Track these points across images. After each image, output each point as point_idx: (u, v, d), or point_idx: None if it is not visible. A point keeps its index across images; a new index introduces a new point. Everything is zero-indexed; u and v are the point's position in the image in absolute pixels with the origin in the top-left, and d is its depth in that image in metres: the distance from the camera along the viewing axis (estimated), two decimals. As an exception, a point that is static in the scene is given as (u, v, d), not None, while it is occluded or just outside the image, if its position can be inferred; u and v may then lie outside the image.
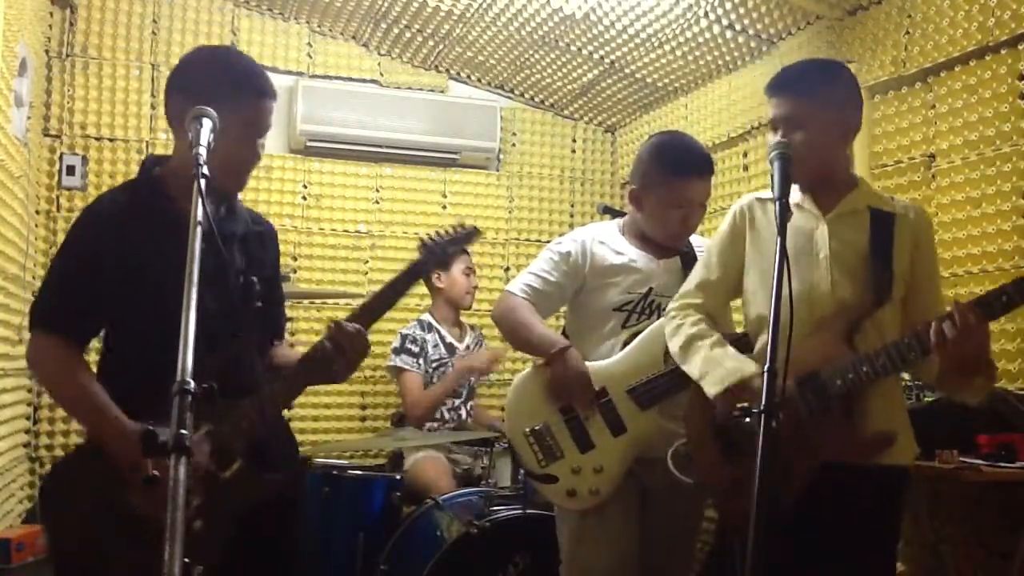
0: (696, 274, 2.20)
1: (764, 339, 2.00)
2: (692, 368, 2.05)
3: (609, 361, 2.45)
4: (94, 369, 1.88)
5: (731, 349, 2.02)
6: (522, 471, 2.95)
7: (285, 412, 2.10)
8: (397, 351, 3.95)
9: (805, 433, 1.83)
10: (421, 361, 3.93)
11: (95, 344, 1.96)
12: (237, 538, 1.78)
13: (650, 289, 2.49)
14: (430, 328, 4.03)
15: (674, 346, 2.12)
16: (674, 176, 2.47)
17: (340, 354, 1.88)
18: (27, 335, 1.91)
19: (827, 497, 1.84)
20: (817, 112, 1.98)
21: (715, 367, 1.97)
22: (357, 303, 4.43)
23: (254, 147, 1.91)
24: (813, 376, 1.87)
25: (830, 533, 1.88)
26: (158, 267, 1.78)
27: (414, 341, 3.95)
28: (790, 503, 1.79)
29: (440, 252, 2.07)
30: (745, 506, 1.49)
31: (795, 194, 2.05)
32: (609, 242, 2.58)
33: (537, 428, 2.44)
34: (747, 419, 1.81)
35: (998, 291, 1.73)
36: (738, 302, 2.24)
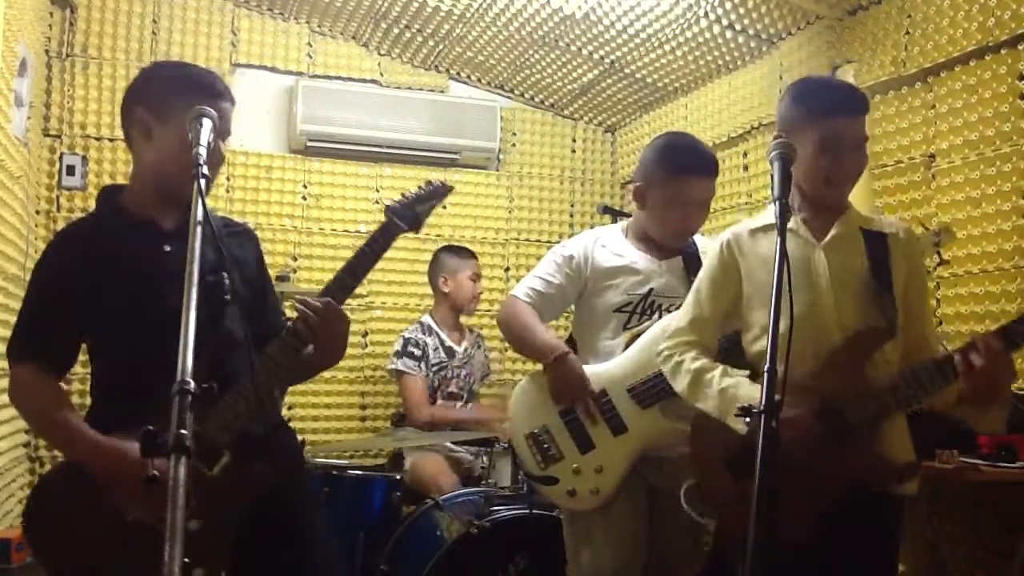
0: (687, 312, 2.14)
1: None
2: (708, 406, 2.00)
3: (610, 363, 2.46)
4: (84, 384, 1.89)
5: (742, 378, 1.97)
6: (521, 473, 2.95)
7: (284, 412, 2.09)
8: (399, 354, 3.95)
9: (827, 465, 1.81)
10: (423, 365, 3.93)
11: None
12: (247, 534, 1.77)
13: (650, 290, 2.49)
14: (430, 331, 4.03)
15: (680, 385, 2.08)
16: (677, 174, 2.47)
17: (312, 331, 1.81)
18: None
19: (842, 522, 1.82)
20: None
21: (733, 402, 1.93)
22: (355, 303, 4.48)
23: (216, 148, 1.83)
24: (833, 407, 1.84)
25: (842, 556, 1.86)
26: (127, 275, 1.80)
27: (416, 345, 3.95)
28: (815, 534, 1.78)
29: (409, 212, 1.97)
30: (769, 527, 1.47)
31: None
32: (611, 245, 2.58)
33: (536, 431, 2.46)
34: (747, 420, 1.80)
35: (1020, 321, 1.74)
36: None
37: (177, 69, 2.01)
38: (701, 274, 2.16)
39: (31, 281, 1.90)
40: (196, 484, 1.68)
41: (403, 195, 2.01)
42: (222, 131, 1.87)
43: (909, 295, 1.99)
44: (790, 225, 2.02)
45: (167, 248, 1.85)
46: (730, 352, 2.12)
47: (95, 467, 1.73)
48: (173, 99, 1.84)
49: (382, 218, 1.97)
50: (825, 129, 1.94)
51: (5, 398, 3.33)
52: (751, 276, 2.05)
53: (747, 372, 2.01)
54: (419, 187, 2.03)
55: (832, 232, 2.00)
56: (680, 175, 2.47)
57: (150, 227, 1.87)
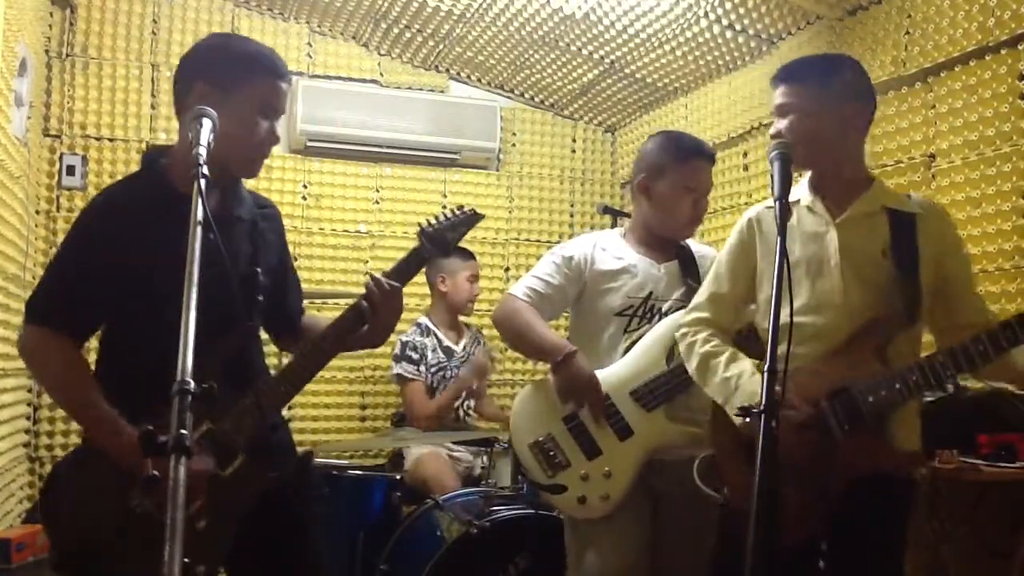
0: (706, 287, 2.19)
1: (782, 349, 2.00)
2: (712, 392, 2.04)
3: (610, 368, 2.44)
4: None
5: (747, 366, 1.98)
6: (521, 476, 2.94)
7: (284, 411, 2.08)
8: (397, 359, 3.93)
9: (839, 449, 1.81)
10: (422, 367, 3.92)
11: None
12: (249, 533, 1.77)
13: (650, 294, 2.48)
14: (428, 332, 4.01)
15: (690, 367, 2.13)
16: (687, 159, 2.51)
17: (375, 312, 1.89)
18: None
19: (854, 507, 1.82)
20: (811, 100, 1.95)
21: (734, 392, 1.95)
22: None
23: (271, 129, 1.88)
24: (843, 391, 1.84)
25: (854, 542, 1.86)
26: (162, 258, 1.75)
27: (414, 348, 3.93)
28: (827, 518, 1.78)
29: (440, 237, 2.02)
30: (775, 513, 1.47)
31: (806, 196, 2.03)
32: (610, 248, 2.57)
33: (541, 439, 2.43)
34: (747, 419, 1.80)
35: None
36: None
37: (244, 44, 1.95)
38: (723, 250, 2.20)
39: (64, 243, 1.85)
40: (209, 485, 1.69)
41: (436, 218, 2.05)
42: (278, 110, 1.91)
43: (947, 273, 1.95)
44: (806, 202, 2.02)
45: (209, 236, 1.83)
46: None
47: (111, 449, 1.70)
48: (240, 75, 1.82)
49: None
50: None
51: (5, 398, 3.33)
52: (765, 256, 2.06)
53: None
54: (452, 211, 2.08)
55: (850, 210, 1.96)
56: (690, 159, 2.52)
57: (189, 208, 1.84)
